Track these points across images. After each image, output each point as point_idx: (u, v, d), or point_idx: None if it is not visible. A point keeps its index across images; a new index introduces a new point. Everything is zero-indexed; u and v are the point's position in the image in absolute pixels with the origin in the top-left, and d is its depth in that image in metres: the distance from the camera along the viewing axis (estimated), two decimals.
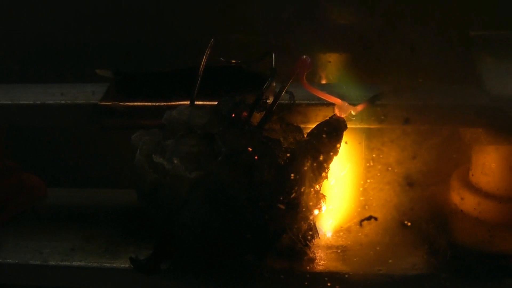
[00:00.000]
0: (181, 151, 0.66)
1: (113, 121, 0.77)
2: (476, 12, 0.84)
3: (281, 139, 0.67)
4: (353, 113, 0.70)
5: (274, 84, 0.73)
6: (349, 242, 0.77)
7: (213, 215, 0.65)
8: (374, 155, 0.80)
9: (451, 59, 0.82)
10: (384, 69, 0.80)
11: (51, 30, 0.99)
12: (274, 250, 0.71)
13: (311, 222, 0.71)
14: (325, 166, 0.68)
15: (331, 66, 0.89)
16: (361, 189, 0.83)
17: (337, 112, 0.70)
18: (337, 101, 0.70)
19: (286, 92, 0.68)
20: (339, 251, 0.75)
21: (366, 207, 0.83)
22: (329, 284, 0.70)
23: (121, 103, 0.76)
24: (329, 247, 0.75)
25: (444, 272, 0.70)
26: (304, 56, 0.66)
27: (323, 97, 0.70)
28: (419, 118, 0.72)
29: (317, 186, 0.69)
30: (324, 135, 0.68)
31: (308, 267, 0.72)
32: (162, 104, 0.76)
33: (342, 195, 0.80)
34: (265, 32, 0.90)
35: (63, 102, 0.78)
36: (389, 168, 0.81)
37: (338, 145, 0.69)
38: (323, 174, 0.69)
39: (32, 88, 0.83)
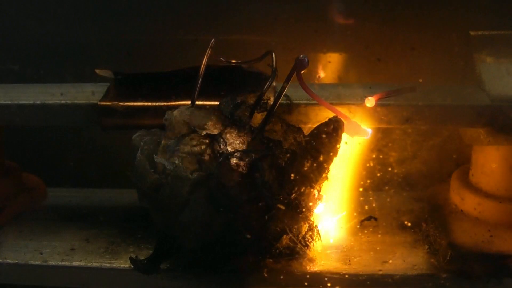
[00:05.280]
0: (182, 152, 0.66)
1: (113, 121, 0.77)
2: (476, 12, 0.84)
3: (282, 139, 0.67)
4: (368, 105, 0.70)
5: (275, 84, 0.74)
6: (349, 242, 0.77)
7: (214, 215, 0.65)
8: (374, 155, 0.80)
9: (451, 59, 0.83)
10: (384, 69, 0.81)
11: (51, 30, 0.99)
12: (274, 250, 0.71)
13: (311, 222, 0.71)
14: (325, 166, 0.68)
15: (331, 66, 0.89)
16: (361, 189, 0.83)
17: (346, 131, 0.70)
18: (345, 117, 0.69)
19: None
20: (339, 251, 0.75)
21: (366, 207, 0.83)
22: (329, 284, 0.70)
23: (121, 103, 0.76)
24: (329, 247, 0.75)
25: (444, 272, 0.70)
26: (301, 56, 0.66)
27: (328, 108, 0.70)
28: (419, 118, 0.72)
29: (317, 187, 0.69)
30: (324, 136, 0.68)
31: (308, 267, 0.72)
32: (162, 104, 0.76)
33: (342, 195, 0.80)
34: (265, 32, 0.90)
35: (63, 102, 0.78)
36: (389, 168, 0.81)
37: (338, 146, 0.69)
38: (323, 174, 0.69)
39: (32, 88, 0.83)
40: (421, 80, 0.76)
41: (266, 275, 0.71)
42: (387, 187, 0.86)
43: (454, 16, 0.84)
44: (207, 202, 0.65)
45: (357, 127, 0.70)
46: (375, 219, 0.82)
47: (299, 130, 0.69)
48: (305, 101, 0.73)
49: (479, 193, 0.77)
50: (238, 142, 0.65)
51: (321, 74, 0.89)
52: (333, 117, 0.70)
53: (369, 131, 0.71)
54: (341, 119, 0.69)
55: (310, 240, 0.72)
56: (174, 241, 0.70)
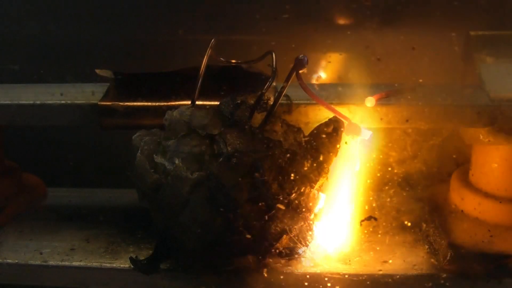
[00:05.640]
0: (182, 152, 0.66)
1: (113, 121, 0.77)
2: (476, 12, 0.84)
3: (282, 139, 0.67)
4: (368, 105, 0.70)
5: (275, 84, 0.74)
6: (349, 242, 0.77)
7: (214, 215, 0.65)
8: (374, 155, 0.80)
9: (451, 59, 0.83)
10: (384, 69, 0.80)
11: (51, 30, 0.99)
12: (274, 250, 0.71)
13: (311, 222, 0.71)
14: (325, 166, 0.68)
15: (331, 66, 0.89)
16: (361, 189, 0.83)
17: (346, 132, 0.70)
18: (345, 118, 0.69)
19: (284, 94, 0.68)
20: (339, 251, 0.75)
21: (366, 207, 0.83)
22: (329, 284, 0.70)
23: (121, 103, 0.76)
24: (329, 247, 0.75)
25: (444, 272, 0.70)
26: (301, 56, 0.66)
27: (327, 108, 0.70)
28: (419, 118, 0.72)
29: (317, 187, 0.69)
30: (324, 136, 0.68)
31: (308, 267, 0.72)
32: (162, 104, 0.76)
33: (342, 195, 0.80)
34: (265, 32, 0.90)
35: (63, 102, 0.78)
36: (389, 168, 0.81)
37: (338, 146, 0.69)
38: (323, 174, 0.69)
39: (32, 88, 0.83)
40: (421, 80, 0.76)
41: (266, 275, 0.71)
42: (387, 187, 0.86)
43: (454, 16, 0.84)
44: (207, 202, 0.65)
45: (356, 128, 0.70)
46: (375, 219, 0.82)
47: (299, 130, 0.69)
48: (305, 101, 0.73)
49: (479, 193, 0.77)
50: (238, 142, 0.65)
51: (321, 74, 0.89)
52: (333, 117, 0.70)
53: (369, 132, 0.71)
54: (341, 119, 0.69)
55: (310, 240, 0.72)
56: (174, 241, 0.70)
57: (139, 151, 0.69)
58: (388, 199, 0.87)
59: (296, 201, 0.67)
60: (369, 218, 0.82)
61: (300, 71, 0.67)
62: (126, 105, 0.76)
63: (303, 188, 0.67)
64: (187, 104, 0.73)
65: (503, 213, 0.75)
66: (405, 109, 0.71)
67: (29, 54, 0.99)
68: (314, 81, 0.87)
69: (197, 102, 0.72)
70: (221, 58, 0.75)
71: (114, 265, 0.74)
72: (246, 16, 0.92)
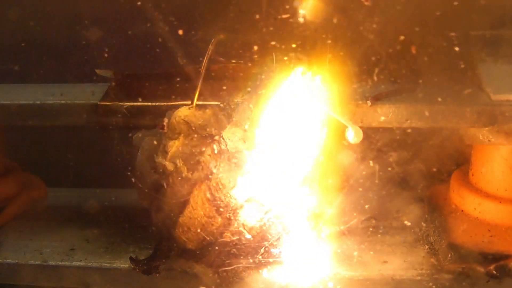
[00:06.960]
0: (182, 152, 0.66)
1: (113, 121, 0.77)
2: (476, 12, 0.84)
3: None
4: (369, 103, 0.70)
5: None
6: (349, 243, 0.77)
7: (214, 215, 0.65)
8: (374, 155, 0.80)
9: (451, 59, 0.83)
10: (384, 68, 0.80)
11: (51, 30, 0.99)
12: (275, 250, 0.71)
13: (312, 222, 0.71)
14: (323, 166, 0.69)
15: (331, 66, 0.89)
16: (360, 189, 0.83)
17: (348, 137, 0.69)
18: (349, 124, 0.69)
19: None
20: (339, 251, 0.75)
21: (366, 207, 0.83)
22: (329, 284, 0.70)
23: (121, 103, 0.77)
24: (329, 247, 0.76)
25: (444, 272, 0.70)
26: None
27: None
28: (419, 118, 0.72)
29: (316, 186, 0.69)
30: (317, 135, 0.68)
31: (307, 267, 0.72)
32: (162, 104, 0.76)
33: (343, 196, 0.80)
34: (265, 32, 0.90)
35: (63, 102, 0.78)
36: (389, 168, 0.81)
37: (333, 145, 0.69)
38: (322, 174, 0.69)
39: (32, 88, 0.83)
40: (421, 80, 0.76)
41: (266, 275, 0.71)
42: (387, 187, 0.86)
43: (454, 16, 0.84)
44: (207, 202, 0.65)
45: (357, 130, 0.70)
46: (375, 219, 0.82)
47: None
48: None
49: (479, 193, 0.77)
50: (238, 142, 0.65)
51: (321, 74, 0.89)
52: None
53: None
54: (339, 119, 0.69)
55: (310, 240, 0.72)
56: (174, 241, 0.70)
57: (139, 151, 0.69)
58: (388, 199, 0.87)
59: (296, 201, 0.67)
60: (369, 218, 0.82)
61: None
62: (126, 105, 0.76)
63: (303, 188, 0.67)
64: (187, 104, 0.73)
65: (503, 213, 0.75)
66: (405, 109, 0.71)
67: (29, 54, 0.99)
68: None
69: (197, 102, 0.72)
70: (221, 58, 0.75)
71: (114, 265, 0.74)
72: (246, 16, 0.92)
